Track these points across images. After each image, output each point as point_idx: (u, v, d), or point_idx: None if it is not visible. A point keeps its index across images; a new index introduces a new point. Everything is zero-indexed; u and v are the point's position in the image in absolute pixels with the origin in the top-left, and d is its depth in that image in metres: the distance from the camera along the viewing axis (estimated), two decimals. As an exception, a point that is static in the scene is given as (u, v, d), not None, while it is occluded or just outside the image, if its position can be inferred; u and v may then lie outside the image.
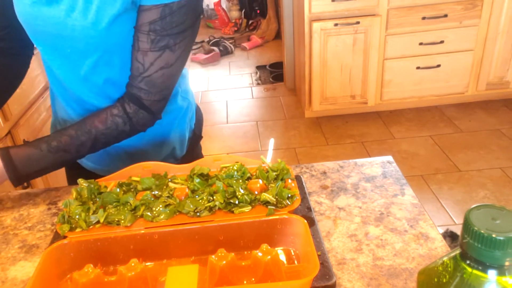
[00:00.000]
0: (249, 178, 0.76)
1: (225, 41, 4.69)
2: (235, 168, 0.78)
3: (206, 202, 0.71)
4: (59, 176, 1.87)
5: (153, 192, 0.75)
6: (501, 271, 0.38)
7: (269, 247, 0.62)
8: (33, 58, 1.02)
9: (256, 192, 0.72)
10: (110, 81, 0.87)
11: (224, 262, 0.60)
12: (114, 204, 0.72)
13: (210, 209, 0.70)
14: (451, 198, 2.32)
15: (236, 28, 5.13)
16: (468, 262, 0.39)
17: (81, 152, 0.85)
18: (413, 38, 2.82)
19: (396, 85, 2.98)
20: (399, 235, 0.72)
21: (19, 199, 0.89)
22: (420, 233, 0.72)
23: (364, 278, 0.64)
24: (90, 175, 0.85)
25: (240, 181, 0.75)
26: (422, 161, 2.63)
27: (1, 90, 0.95)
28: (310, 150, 2.84)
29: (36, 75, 1.92)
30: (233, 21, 5.21)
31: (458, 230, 2.00)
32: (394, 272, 0.65)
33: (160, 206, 0.70)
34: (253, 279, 0.62)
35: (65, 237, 0.68)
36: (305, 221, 0.65)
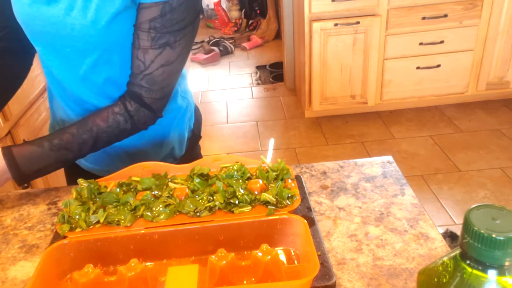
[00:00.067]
0: (249, 178, 0.76)
1: (225, 41, 4.69)
2: (235, 168, 0.78)
3: (206, 202, 0.71)
4: (59, 176, 1.87)
5: (153, 192, 0.75)
6: (501, 271, 0.38)
7: (269, 247, 0.62)
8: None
9: (256, 192, 0.72)
10: (110, 80, 0.87)
11: (224, 262, 0.60)
12: (114, 204, 0.72)
13: (210, 209, 0.70)
14: (451, 198, 2.32)
15: (236, 28, 5.13)
16: (468, 262, 0.39)
17: (83, 150, 0.85)
18: (413, 38, 2.82)
19: (396, 85, 2.98)
20: (399, 235, 0.72)
21: (19, 199, 0.89)
22: (420, 233, 0.72)
23: (364, 278, 0.64)
24: (89, 176, 0.85)
25: (240, 181, 0.75)
26: (422, 161, 2.63)
27: (3, 89, 0.95)
28: (310, 150, 2.84)
29: (36, 75, 1.92)
30: (233, 21, 5.21)
31: (458, 230, 2.00)
32: (394, 272, 0.65)
33: (160, 206, 0.70)
34: (253, 279, 0.62)
35: (65, 237, 0.68)
36: (305, 221, 0.65)
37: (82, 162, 1.03)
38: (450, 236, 1.92)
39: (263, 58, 4.39)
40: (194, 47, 4.58)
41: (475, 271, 0.39)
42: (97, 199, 0.74)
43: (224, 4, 5.33)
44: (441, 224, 2.15)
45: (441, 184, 2.42)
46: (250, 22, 5.13)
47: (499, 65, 2.92)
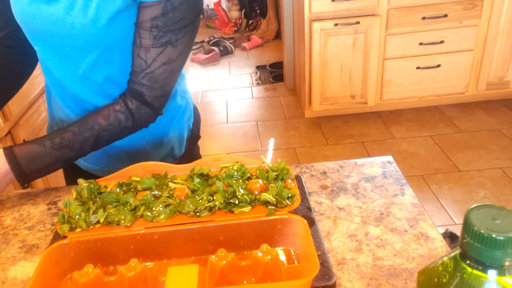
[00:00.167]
0: (249, 178, 0.76)
1: (225, 41, 4.69)
2: (235, 168, 0.78)
3: (206, 202, 0.71)
4: (59, 176, 1.86)
5: (153, 192, 0.75)
6: (501, 271, 0.38)
7: (269, 247, 0.62)
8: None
9: (256, 192, 0.72)
10: (110, 79, 0.87)
11: (224, 262, 0.60)
12: (114, 204, 0.72)
13: (210, 209, 0.70)
14: (451, 198, 2.32)
15: (236, 28, 5.13)
16: (468, 262, 0.39)
17: (84, 149, 0.85)
18: (413, 38, 2.82)
19: (396, 85, 2.98)
20: (399, 235, 0.72)
21: (19, 199, 0.89)
22: (420, 233, 0.72)
23: (364, 278, 0.64)
24: (88, 176, 0.85)
25: (240, 181, 0.75)
26: (422, 161, 2.63)
27: (5, 87, 0.95)
28: (310, 150, 2.84)
29: (36, 75, 1.91)
30: (233, 21, 5.21)
31: (458, 230, 2.00)
32: (394, 272, 0.65)
33: (160, 206, 0.70)
34: (253, 279, 0.62)
35: (65, 237, 0.68)
36: (305, 221, 0.65)
37: (82, 163, 1.03)
38: (449, 237, 1.92)
39: (263, 58, 4.39)
40: (194, 47, 4.58)
41: (475, 271, 0.39)
42: (97, 199, 0.74)
43: (224, 4, 5.33)
44: (441, 224, 2.15)
45: (441, 184, 2.42)
46: (250, 22, 5.13)
47: (499, 65, 2.92)
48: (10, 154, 0.81)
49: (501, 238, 0.36)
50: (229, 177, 0.76)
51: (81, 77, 0.86)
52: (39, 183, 1.80)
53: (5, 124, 1.65)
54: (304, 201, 0.76)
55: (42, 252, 0.71)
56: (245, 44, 4.66)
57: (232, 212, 0.69)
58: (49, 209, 0.85)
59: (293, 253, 0.68)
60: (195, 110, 1.12)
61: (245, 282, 0.63)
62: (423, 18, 2.75)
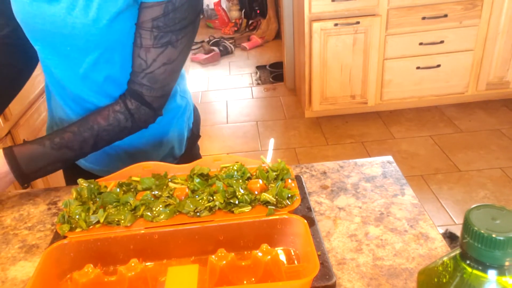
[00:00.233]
0: (249, 178, 0.76)
1: (225, 41, 4.69)
2: (235, 168, 0.78)
3: (206, 202, 0.71)
4: (59, 176, 1.86)
5: (153, 192, 0.75)
6: (501, 271, 0.38)
7: (269, 247, 0.62)
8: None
9: (256, 192, 0.72)
10: (110, 79, 0.87)
11: (224, 262, 0.60)
12: (114, 204, 0.72)
13: (210, 209, 0.70)
14: (451, 198, 2.32)
15: (236, 28, 5.13)
16: (468, 262, 0.39)
17: (84, 149, 0.85)
18: (413, 38, 2.82)
19: (396, 85, 2.98)
20: (399, 235, 0.72)
21: (19, 199, 0.89)
22: (420, 233, 0.72)
23: (364, 278, 0.64)
24: (88, 176, 0.85)
25: (240, 181, 0.75)
26: (422, 161, 2.63)
27: (7, 87, 0.95)
28: (310, 150, 2.84)
29: (36, 75, 1.91)
30: (233, 21, 5.21)
31: (458, 230, 2.00)
32: (394, 272, 0.65)
33: (160, 206, 0.70)
34: (253, 279, 0.62)
35: (65, 237, 0.68)
36: (305, 221, 0.65)
37: (82, 162, 1.03)
38: (449, 237, 1.92)
39: (263, 58, 4.39)
40: (194, 47, 4.58)
41: (475, 271, 0.39)
42: (97, 199, 0.74)
43: (224, 4, 5.33)
44: (441, 224, 2.15)
45: (441, 184, 2.42)
46: (250, 22, 5.13)
47: (499, 65, 2.92)
48: (9, 154, 0.81)
49: (501, 238, 0.36)
50: (229, 177, 0.76)
51: (81, 77, 0.86)
52: (39, 183, 1.80)
53: (5, 124, 1.65)
54: (304, 201, 0.76)
55: (42, 252, 0.71)
56: (245, 44, 4.66)
57: (232, 212, 0.69)
58: (49, 209, 0.85)
59: (293, 253, 0.68)
60: (195, 110, 1.12)
61: (245, 282, 0.63)
62: (423, 18, 2.75)
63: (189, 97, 1.07)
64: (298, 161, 2.76)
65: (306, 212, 0.74)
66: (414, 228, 0.73)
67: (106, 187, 0.78)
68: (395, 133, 2.91)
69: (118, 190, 0.76)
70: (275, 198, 0.70)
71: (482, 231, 0.37)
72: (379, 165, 0.90)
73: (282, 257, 0.67)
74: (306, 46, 2.83)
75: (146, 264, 0.68)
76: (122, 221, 0.69)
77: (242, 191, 0.72)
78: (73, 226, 0.69)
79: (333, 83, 2.94)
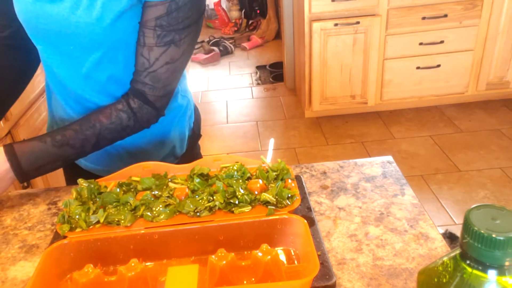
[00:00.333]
0: (249, 178, 0.76)
1: (225, 41, 4.69)
2: (235, 168, 0.78)
3: (206, 202, 0.71)
4: (59, 176, 1.86)
5: (153, 192, 0.75)
6: (501, 271, 0.38)
7: (269, 247, 0.62)
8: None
9: (256, 192, 0.72)
10: (113, 78, 0.87)
11: (224, 262, 0.60)
12: (114, 204, 0.72)
13: (210, 209, 0.70)
14: (451, 198, 2.32)
15: (236, 28, 5.13)
16: (468, 262, 0.39)
17: (86, 147, 0.85)
18: (413, 38, 2.82)
19: (396, 85, 2.98)
20: (399, 235, 0.72)
21: (19, 199, 0.89)
22: (420, 233, 0.72)
23: (364, 278, 0.64)
24: (89, 176, 0.85)
25: (240, 181, 0.75)
26: (422, 161, 2.63)
27: (9, 88, 0.95)
28: (310, 150, 2.84)
29: (36, 75, 1.91)
30: (233, 21, 5.21)
31: (458, 230, 2.00)
32: (394, 272, 0.65)
33: (160, 206, 0.70)
34: (253, 279, 0.62)
35: (65, 237, 0.68)
36: (305, 221, 0.65)
37: (83, 162, 1.03)
38: (449, 237, 1.92)
39: (263, 58, 4.39)
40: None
41: (475, 271, 0.39)
42: (97, 199, 0.74)
43: (224, 4, 5.33)
44: (441, 224, 2.15)
45: (441, 184, 2.42)
46: (250, 22, 5.13)
47: (499, 65, 2.92)
48: (10, 151, 0.81)
49: (501, 238, 0.36)
50: (229, 177, 0.76)
51: (84, 76, 0.86)
52: (39, 183, 1.80)
53: (5, 124, 1.65)
54: (304, 201, 0.76)
55: (42, 252, 0.71)
56: (245, 44, 4.66)
57: (232, 212, 0.69)
58: (49, 209, 0.85)
59: (293, 253, 0.68)
60: (196, 109, 1.12)
61: (245, 282, 0.63)
62: (423, 18, 2.75)
63: (190, 97, 1.07)
64: (298, 161, 2.76)
65: (306, 212, 0.74)
66: (414, 228, 0.73)
67: (106, 187, 0.78)
68: (395, 133, 2.91)
69: (118, 190, 0.76)
70: (275, 198, 0.70)
71: (482, 231, 0.37)
72: (379, 165, 0.90)
73: (282, 257, 0.67)
74: (306, 46, 2.83)
75: (146, 264, 0.68)
76: (122, 221, 0.69)
77: (242, 191, 0.72)
78: (73, 226, 0.69)
79: (333, 83, 2.94)
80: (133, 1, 0.78)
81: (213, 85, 3.91)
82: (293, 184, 0.74)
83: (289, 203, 0.70)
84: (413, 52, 2.87)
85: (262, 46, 4.71)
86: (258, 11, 5.12)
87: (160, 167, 0.81)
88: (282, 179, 0.75)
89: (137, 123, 0.86)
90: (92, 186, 0.77)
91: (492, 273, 0.38)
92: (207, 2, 5.38)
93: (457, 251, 0.41)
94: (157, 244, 0.67)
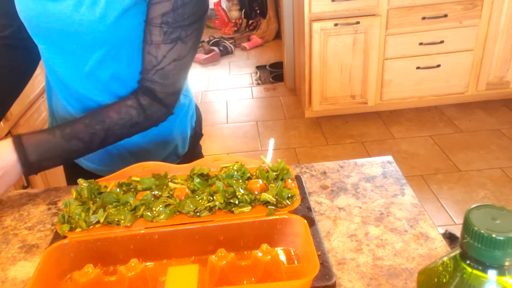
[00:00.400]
0: (249, 178, 0.76)
1: (225, 41, 4.69)
2: (235, 168, 0.78)
3: (206, 202, 0.71)
4: (59, 176, 1.86)
5: (153, 192, 0.75)
6: (501, 271, 0.38)
7: (269, 247, 0.62)
8: (34, 58, 1.02)
9: (256, 192, 0.72)
10: (116, 77, 0.87)
11: (224, 262, 0.60)
12: (114, 204, 0.72)
13: (210, 209, 0.70)
14: (451, 198, 2.32)
15: (236, 28, 5.13)
16: (468, 262, 0.39)
17: (94, 142, 0.84)
18: (413, 38, 2.82)
19: (396, 85, 2.98)
20: (399, 235, 0.72)
21: (19, 199, 0.89)
22: (420, 233, 0.72)
23: (364, 278, 0.64)
24: (90, 176, 0.84)
25: (240, 181, 0.75)
26: (422, 161, 2.63)
27: (10, 87, 0.95)
28: (310, 150, 2.84)
29: (36, 75, 1.91)
30: (233, 21, 5.21)
31: (458, 230, 2.00)
32: (394, 272, 0.65)
33: (160, 206, 0.70)
34: (253, 279, 0.62)
35: (65, 237, 0.68)
36: (305, 221, 0.65)
37: (84, 162, 1.03)
38: (449, 238, 1.92)
39: (263, 58, 4.39)
40: (194, 47, 4.57)
41: (475, 271, 0.39)
42: (97, 199, 0.74)
43: (224, 4, 5.33)
44: (441, 224, 2.15)
45: (441, 184, 2.42)
46: (250, 22, 5.13)
47: (499, 65, 2.92)
48: (18, 141, 0.80)
49: (501, 238, 0.36)
50: (229, 177, 0.76)
51: (86, 75, 0.86)
52: (39, 183, 1.80)
53: (5, 124, 1.65)
54: (304, 201, 0.76)
55: (42, 252, 0.71)
56: (245, 44, 4.66)
57: (232, 212, 0.69)
58: (49, 209, 0.85)
59: (293, 253, 0.68)
60: (197, 108, 1.13)
61: (245, 282, 0.63)
62: (423, 18, 2.75)
63: (191, 96, 1.07)
64: (298, 161, 2.76)
65: (306, 212, 0.74)
66: (414, 228, 0.73)
67: (106, 187, 0.78)
68: (395, 133, 2.91)
69: (118, 190, 0.76)
70: (275, 198, 0.70)
71: (482, 231, 0.37)
72: (379, 165, 0.90)
73: (282, 257, 0.67)
74: (306, 46, 2.83)
75: (146, 264, 0.68)
76: (122, 221, 0.69)
77: (242, 191, 0.72)
78: (73, 226, 0.69)
79: (333, 83, 2.94)
80: None
81: (213, 85, 3.91)
82: (293, 184, 0.74)
83: (289, 203, 0.70)
84: (413, 52, 2.87)
85: (262, 46, 4.71)
86: (258, 11, 5.12)
87: (160, 167, 0.81)
88: (282, 179, 0.75)
89: (147, 120, 0.86)
90: (92, 186, 0.77)
91: (492, 273, 0.38)
92: (207, 2, 5.38)
93: (457, 251, 0.41)
94: (157, 244, 0.67)
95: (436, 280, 0.42)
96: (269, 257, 0.60)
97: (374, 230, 0.73)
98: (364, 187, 0.83)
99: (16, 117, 1.73)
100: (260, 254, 0.61)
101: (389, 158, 0.92)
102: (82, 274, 0.60)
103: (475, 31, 2.81)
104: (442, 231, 1.99)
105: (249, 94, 3.69)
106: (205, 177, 0.78)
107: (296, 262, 0.66)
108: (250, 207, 0.70)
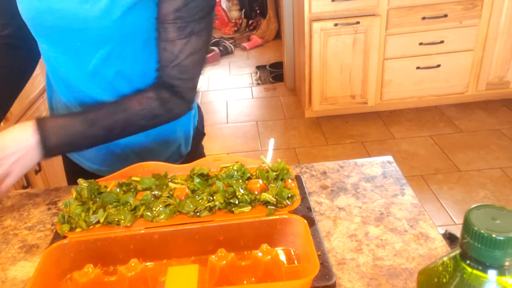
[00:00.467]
0: (249, 178, 0.76)
1: (225, 41, 4.69)
2: (235, 168, 0.78)
3: (206, 202, 0.71)
4: (59, 176, 1.86)
5: (153, 192, 0.75)
6: (501, 271, 0.38)
7: (269, 247, 0.62)
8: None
9: (256, 192, 0.72)
10: (120, 75, 0.86)
11: (224, 262, 0.60)
12: (114, 204, 0.72)
13: (210, 209, 0.70)
14: (451, 198, 2.32)
15: (236, 28, 5.13)
16: (468, 262, 0.39)
17: (114, 131, 0.83)
18: (413, 38, 2.82)
19: (396, 85, 2.98)
20: (399, 235, 0.72)
21: (19, 199, 0.89)
22: (420, 233, 0.72)
23: (364, 278, 0.64)
24: (90, 176, 0.84)
25: (240, 181, 0.75)
26: (422, 161, 2.63)
27: (10, 87, 0.95)
28: (310, 150, 2.84)
29: (36, 75, 1.91)
30: (233, 21, 5.21)
31: (458, 230, 2.00)
32: (394, 272, 0.65)
33: (160, 206, 0.70)
34: (253, 279, 0.62)
35: (65, 237, 0.68)
36: (305, 221, 0.65)
37: (86, 164, 1.02)
38: (448, 238, 1.91)
39: (263, 58, 4.39)
40: (194, 47, 4.57)
41: (475, 271, 0.39)
42: (97, 199, 0.74)
43: (224, 4, 5.33)
44: (441, 224, 2.15)
45: (441, 184, 2.42)
46: (250, 22, 5.13)
47: (499, 65, 2.91)
48: (40, 123, 0.79)
49: (501, 238, 0.36)
50: (229, 177, 0.76)
51: (90, 73, 0.85)
52: (39, 183, 1.80)
53: (5, 124, 1.65)
54: (304, 201, 0.76)
55: (42, 252, 0.71)
56: (245, 44, 4.66)
57: (232, 212, 0.69)
58: (49, 209, 0.85)
59: (293, 253, 0.68)
60: (199, 108, 1.13)
61: (245, 282, 0.63)
62: (423, 18, 2.75)
63: None
64: (298, 161, 2.76)
65: (306, 212, 0.74)
66: (414, 228, 0.73)
67: (106, 187, 0.78)
68: (395, 133, 2.91)
69: (118, 190, 0.76)
70: (275, 198, 0.70)
71: (482, 231, 0.37)
72: (379, 165, 0.90)
73: (282, 257, 0.67)
74: (306, 46, 2.83)
75: (146, 264, 0.68)
76: (122, 221, 0.69)
77: (242, 191, 0.72)
78: (73, 226, 0.69)
79: (333, 83, 2.94)
80: None
81: (213, 85, 3.91)
82: (293, 184, 0.74)
83: (289, 203, 0.70)
84: (413, 52, 2.87)
85: (262, 46, 4.71)
86: (258, 11, 5.12)
87: (160, 167, 0.81)
88: (282, 179, 0.75)
89: (167, 113, 0.86)
90: (92, 186, 0.77)
91: (492, 273, 0.38)
92: (207, 2, 5.38)
93: (457, 251, 0.41)
94: (157, 244, 0.67)
95: (436, 280, 0.42)
96: (269, 257, 0.60)
97: (374, 230, 0.73)
98: (364, 187, 0.83)
99: (16, 117, 1.73)
100: (260, 254, 0.61)
101: (389, 158, 0.92)
102: (82, 274, 0.60)
103: (475, 31, 2.81)
104: (442, 231, 1.99)
105: (249, 94, 3.69)
106: (205, 177, 0.78)
107: (296, 262, 0.66)
108: (250, 207, 0.70)
